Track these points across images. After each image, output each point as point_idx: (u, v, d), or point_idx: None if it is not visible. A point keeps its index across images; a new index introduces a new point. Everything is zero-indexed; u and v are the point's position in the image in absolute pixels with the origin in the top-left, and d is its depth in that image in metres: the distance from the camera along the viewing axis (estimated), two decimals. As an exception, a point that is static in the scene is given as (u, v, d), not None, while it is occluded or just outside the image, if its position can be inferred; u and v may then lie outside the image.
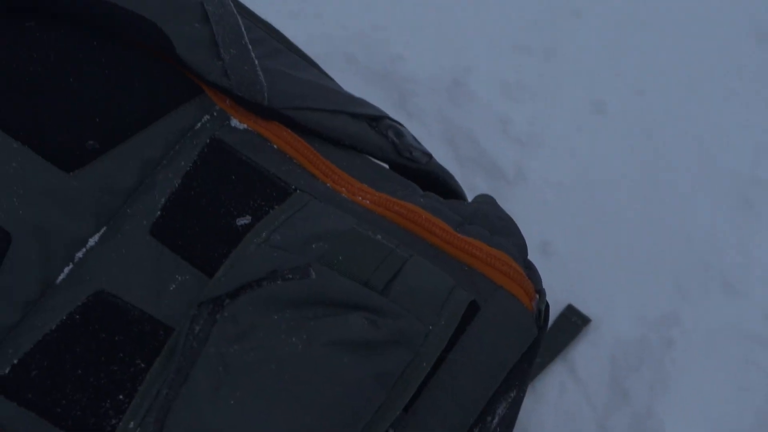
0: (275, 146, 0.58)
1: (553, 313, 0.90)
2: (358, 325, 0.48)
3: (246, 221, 0.54)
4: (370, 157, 0.62)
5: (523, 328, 0.54)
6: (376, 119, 0.63)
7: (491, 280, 0.54)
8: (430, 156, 0.64)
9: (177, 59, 0.58)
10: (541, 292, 0.56)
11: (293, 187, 0.56)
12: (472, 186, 0.96)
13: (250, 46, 0.60)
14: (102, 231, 0.55)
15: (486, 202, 0.61)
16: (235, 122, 0.59)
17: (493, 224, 0.58)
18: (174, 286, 0.53)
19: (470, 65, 1.02)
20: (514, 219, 0.89)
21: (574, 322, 0.89)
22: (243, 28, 0.61)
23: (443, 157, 0.98)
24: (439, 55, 1.03)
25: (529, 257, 0.59)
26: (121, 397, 0.50)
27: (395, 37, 1.04)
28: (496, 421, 0.53)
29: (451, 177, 0.67)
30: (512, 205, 0.93)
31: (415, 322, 0.49)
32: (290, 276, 0.49)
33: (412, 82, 1.02)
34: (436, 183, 0.65)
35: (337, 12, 1.07)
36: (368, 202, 0.57)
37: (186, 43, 0.58)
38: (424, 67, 1.02)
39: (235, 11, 0.62)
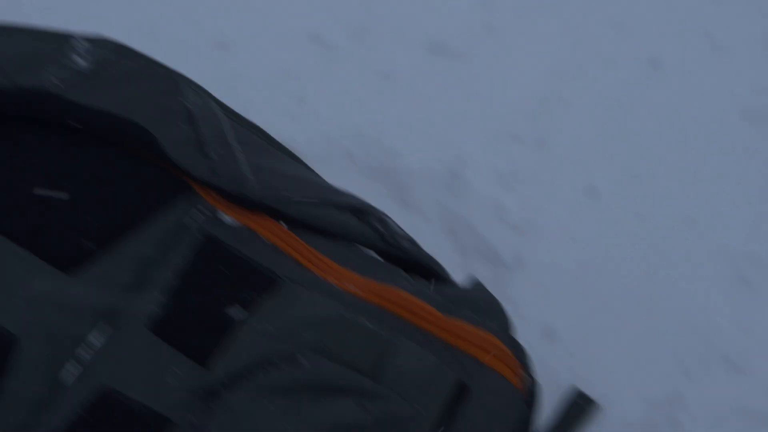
0: (264, 238, 0.60)
1: (558, 396, 0.89)
2: (348, 409, 0.49)
3: (238, 312, 0.55)
4: (357, 245, 0.63)
5: (512, 406, 0.54)
6: (361, 210, 0.65)
7: (478, 360, 0.55)
8: (415, 243, 0.66)
9: (165, 159, 0.60)
10: (528, 370, 0.56)
11: (282, 277, 0.57)
12: (473, 273, 0.97)
13: (235, 144, 0.63)
14: (102, 328, 0.57)
15: (472, 284, 0.62)
16: (225, 216, 0.60)
17: (479, 306, 0.59)
18: (171, 378, 0.54)
19: (464, 156, 1.04)
20: (515, 304, 0.90)
21: (578, 404, 0.88)
22: (228, 128, 0.64)
23: (444, 246, 0.99)
24: (433, 147, 1.05)
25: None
26: None
27: (390, 133, 1.07)
28: (490, 498, 0.53)
29: (437, 263, 0.67)
30: (513, 291, 0.93)
31: (403, 404, 0.50)
32: (281, 364, 0.51)
33: (409, 176, 1.03)
34: (423, 269, 0.66)
35: (334, 112, 1.10)
36: (355, 288, 0.57)
37: (174, 144, 0.61)
38: (420, 160, 1.04)
39: (220, 112, 0.65)
